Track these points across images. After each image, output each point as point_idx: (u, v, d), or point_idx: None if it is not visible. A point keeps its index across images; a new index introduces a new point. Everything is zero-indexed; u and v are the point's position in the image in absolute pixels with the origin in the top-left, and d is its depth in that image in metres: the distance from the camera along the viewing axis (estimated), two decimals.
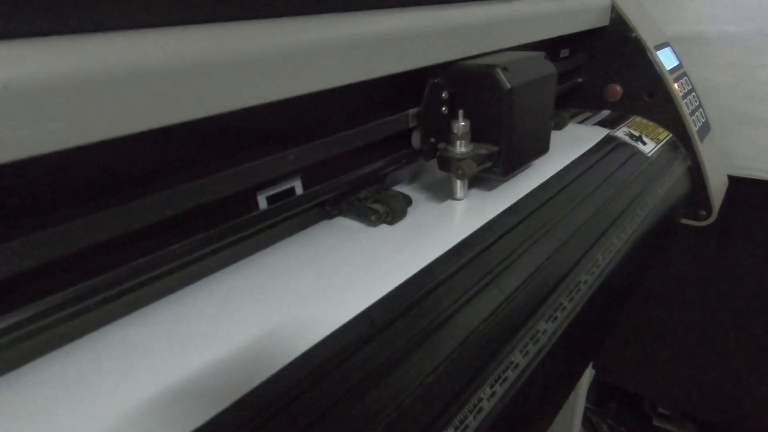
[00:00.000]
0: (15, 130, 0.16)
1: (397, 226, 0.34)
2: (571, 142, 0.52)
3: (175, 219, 0.25)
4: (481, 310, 0.29)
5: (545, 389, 0.31)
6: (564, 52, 0.62)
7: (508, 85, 0.34)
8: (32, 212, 0.21)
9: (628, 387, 1.04)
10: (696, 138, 0.60)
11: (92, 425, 0.19)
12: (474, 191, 0.40)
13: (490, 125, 0.37)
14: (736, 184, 0.71)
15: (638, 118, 0.61)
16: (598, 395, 1.13)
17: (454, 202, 0.38)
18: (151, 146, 0.25)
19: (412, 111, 0.39)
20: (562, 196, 0.41)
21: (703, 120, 0.65)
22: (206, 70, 0.21)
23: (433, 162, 0.38)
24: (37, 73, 0.16)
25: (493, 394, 0.26)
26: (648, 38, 0.59)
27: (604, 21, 0.59)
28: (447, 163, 0.36)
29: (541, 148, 0.43)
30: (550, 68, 0.40)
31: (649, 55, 0.59)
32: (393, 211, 0.34)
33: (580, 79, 0.64)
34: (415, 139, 0.40)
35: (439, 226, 0.35)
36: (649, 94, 0.61)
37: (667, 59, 0.61)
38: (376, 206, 0.34)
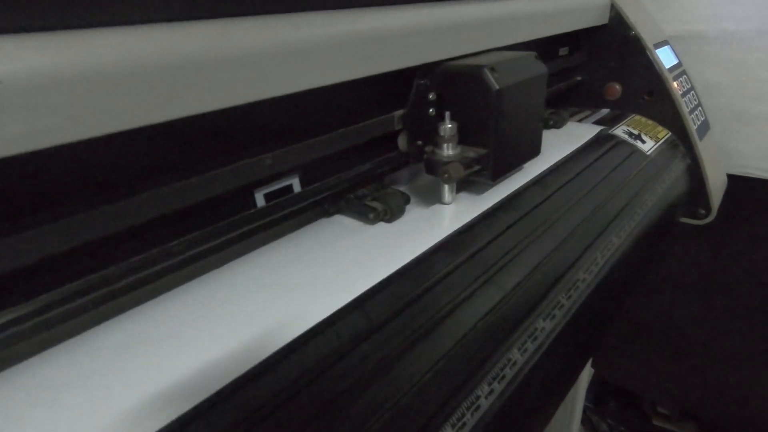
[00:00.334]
0: (10, 125, 0.16)
1: (395, 223, 0.34)
2: (565, 141, 0.52)
3: (172, 216, 0.25)
4: (480, 307, 0.29)
5: (543, 387, 0.31)
6: (563, 51, 0.62)
7: (497, 86, 0.34)
8: (27, 209, 0.21)
9: (627, 386, 1.04)
10: (695, 136, 0.60)
11: (89, 422, 0.19)
12: (463, 195, 0.39)
13: (478, 127, 0.36)
14: (735, 182, 0.71)
15: (637, 117, 0.61)
16: (597, 394, 1.13)
17: (442, 206, 0.37)
18: (148, 143, 0.25)
19: (397, 113, 0.37)
20: (562, 194, 0.41)
21: (703, 118, 0.64)
22: (195, 67, 0.21)
23: None
24: (32, 69, 0.16)
25: (491, 391, 0.26)
26: (647, 36, 0.59)
27: (603, 19, 0.59)
28: (434, 167, 0.35)
29: (531, 150, 0.42)
30: (540, 68, 0.39)
31: (649, 53, 0.59)
32: (391, 210, 0.34)
33: (579, 78, 0.64)
34: (402, 142, 0.39)
35: (428, 230, 0.34)
36: (648, 93, 0.61)
37: (666, 58, 0.61)
38: (375, 204, 0.34)
